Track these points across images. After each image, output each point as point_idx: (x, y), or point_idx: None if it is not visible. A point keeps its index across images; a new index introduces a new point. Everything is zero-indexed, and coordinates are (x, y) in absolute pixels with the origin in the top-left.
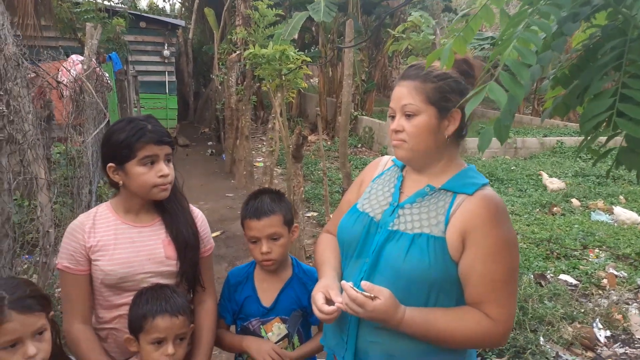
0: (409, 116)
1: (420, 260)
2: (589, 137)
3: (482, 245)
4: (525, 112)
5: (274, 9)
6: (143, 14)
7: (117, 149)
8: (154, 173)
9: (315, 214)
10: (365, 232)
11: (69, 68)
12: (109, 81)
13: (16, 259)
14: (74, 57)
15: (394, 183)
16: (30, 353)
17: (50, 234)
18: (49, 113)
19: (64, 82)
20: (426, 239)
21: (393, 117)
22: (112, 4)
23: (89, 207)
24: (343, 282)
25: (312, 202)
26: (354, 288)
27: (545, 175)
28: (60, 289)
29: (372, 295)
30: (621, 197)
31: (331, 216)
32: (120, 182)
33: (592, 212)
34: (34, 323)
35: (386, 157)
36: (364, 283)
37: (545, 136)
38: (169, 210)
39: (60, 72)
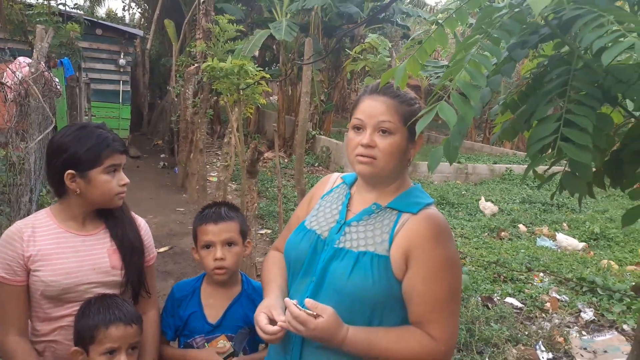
0: (384, 133)
1: (364, 278)
2: (535, 160)
3: (424, 264)
4: (477, 140)
5: (235, 24)
6: (100, 21)
7: (81, 156)
8: (116, 181)
9: (268, 231)
10: (312, 250)
11: (15, 70)
12: (58, 86)
13: None
14: (20, 59)
15: (341, 200)
16: None
17: None
18: None
19: (8, 84)
20: (370, 258)
21: (358, 129)
22: (68, 8)
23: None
24: (286, 299)
25: (266, 219)
26: (297, 306)
27: (482, 200)
28: None
29: (315, 314)
30: (564, 224)
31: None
32: (77, 190)
33: (537, 238)
34: None
35: (335, 175)
36: (307, 301)
37: (495, 163)
38: (114, 216)
39: (4, 74)
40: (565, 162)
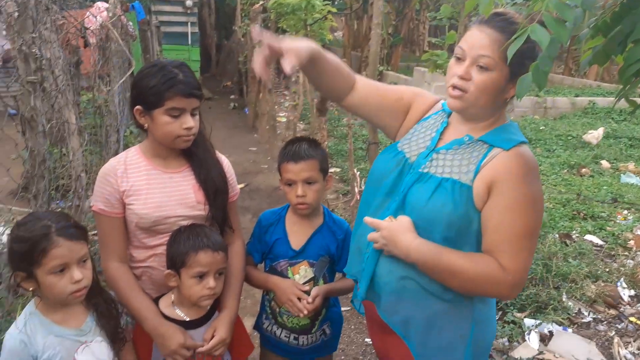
0: (481, 68)
1: (444, 203)
2: (628, 85)
3: (506, 197)
4: (557, 71)
5: None
6: None
7: (146, 93)
8: (178, 124)
9: (338, 169)
10: (398, 171)
11: (95, 15)
12: (133, 30)
13: (51, 202)
14: (99, 3)
15: (437, 128)
16: (77, 278)
17: (82, 178)
18: (77, 59)
19: (91, 29)
20: (452, 184)
21: (459, 59)
22: None
23: (116, 155)
24: (366, 217)
25: (335, 158)
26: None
27: (587, 134)
28: (92, 232)
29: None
30: None
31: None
32: (146, 126)
33: (622, 174)
34: (79, 250)
35: (439, 102)
36: (388, 218)
37: (577, 96)
38: (197, 157)
39: (86, 19)
40: None
